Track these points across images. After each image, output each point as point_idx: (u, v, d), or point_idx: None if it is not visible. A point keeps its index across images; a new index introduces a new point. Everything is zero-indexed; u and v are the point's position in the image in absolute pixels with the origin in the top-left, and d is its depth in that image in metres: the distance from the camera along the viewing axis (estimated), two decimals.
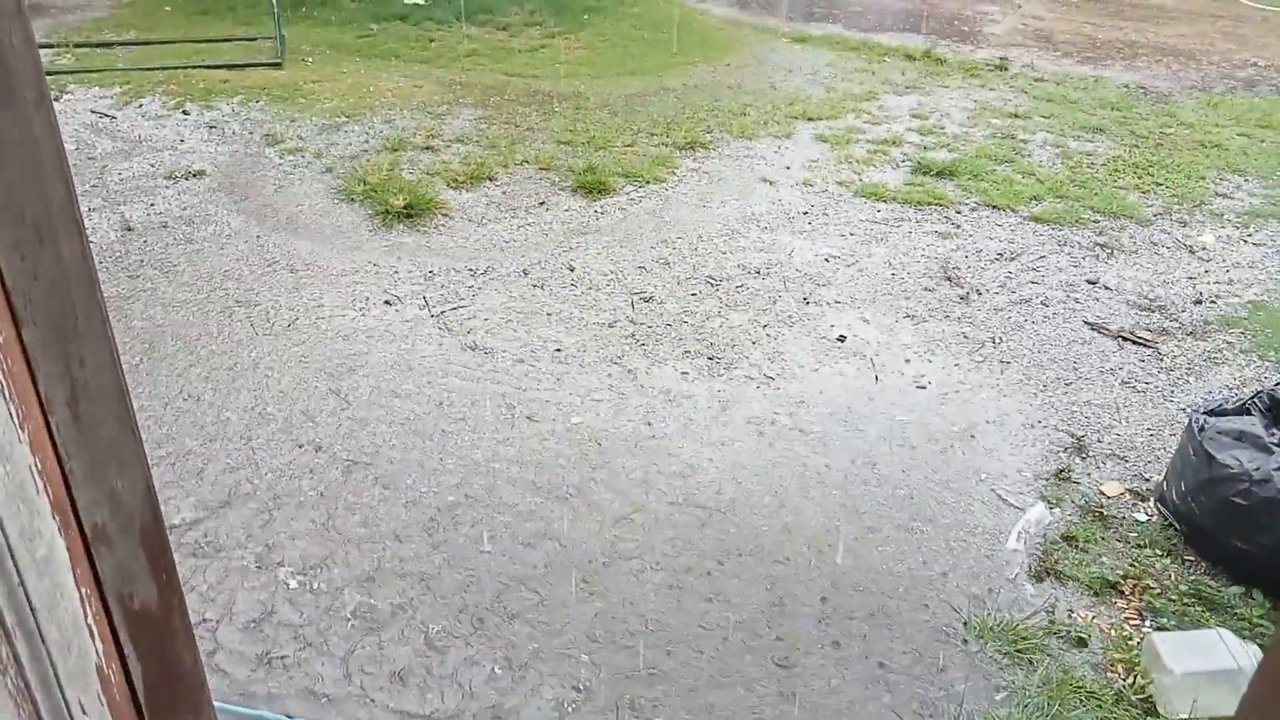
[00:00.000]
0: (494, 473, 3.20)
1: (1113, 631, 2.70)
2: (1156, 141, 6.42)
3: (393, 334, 3.97)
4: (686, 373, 3.82)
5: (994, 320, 4.27)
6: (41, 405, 1.03)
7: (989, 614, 2.72)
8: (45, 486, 1.01)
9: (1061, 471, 3.34)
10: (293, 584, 2.71)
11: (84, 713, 1.02)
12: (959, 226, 5.12)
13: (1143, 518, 3.14)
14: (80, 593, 1.07)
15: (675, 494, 3.15)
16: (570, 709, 2.38)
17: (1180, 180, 5.77)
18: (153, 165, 5.36)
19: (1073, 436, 3.52)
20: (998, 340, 4.12)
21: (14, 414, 0.95)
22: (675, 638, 2.60)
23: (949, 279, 4.60)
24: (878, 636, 2.64)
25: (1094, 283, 4.60)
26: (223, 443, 3.27)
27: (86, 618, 1.07)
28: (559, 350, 3.92)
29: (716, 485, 3.20)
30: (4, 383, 0.93)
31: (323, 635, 2.55)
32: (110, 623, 1.17)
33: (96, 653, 1.09)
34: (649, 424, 3.50)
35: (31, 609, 0.93)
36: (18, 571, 0.91)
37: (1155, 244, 5.01)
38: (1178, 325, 4.25)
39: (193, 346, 3.80)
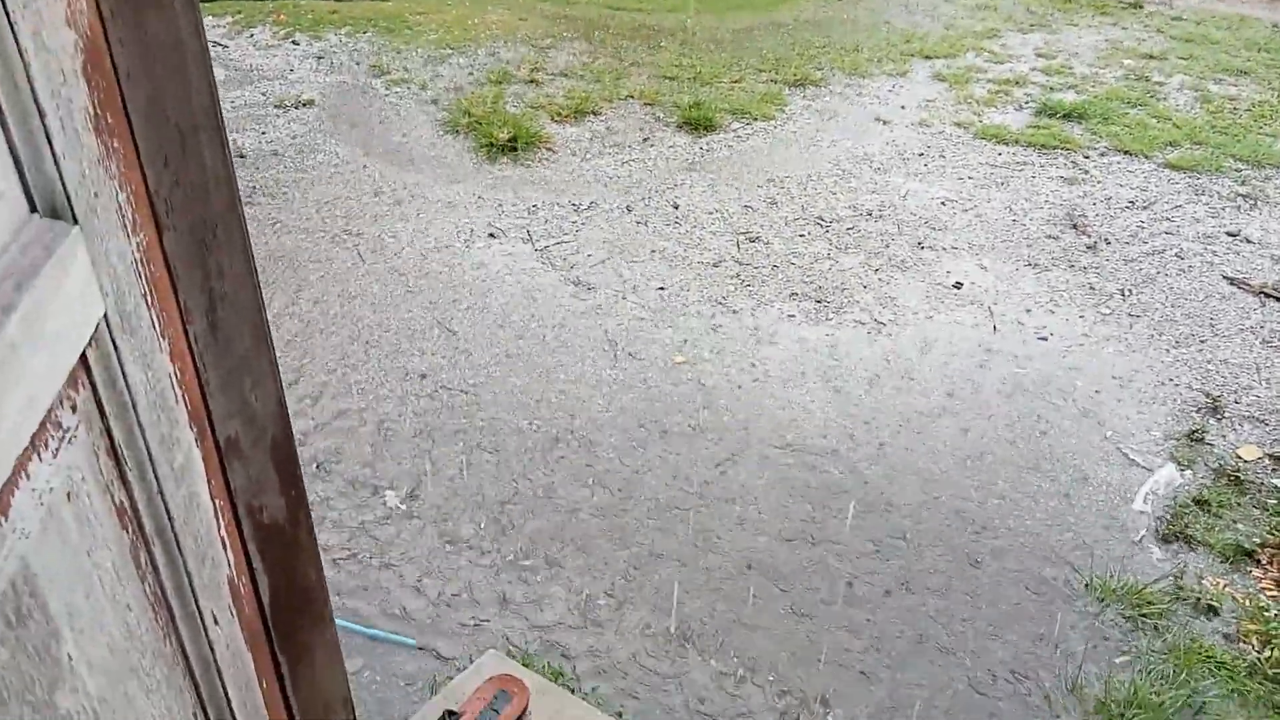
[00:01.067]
0: (595, 409, 3.17)
1: (1247, 601, 2.54)
2: None
3: (496, 267, 3.95)
4: (793, 315, 3.71)
5: (1123, 271, 4.02)
6: (181, 314, 1.01)
7: (1112, 575, 2.59)
8: (183, 396, 0.99)
9: (1194, 432, 3.14)
10: (398, 506, 2.74)
11: (215, 623, 1.02)
12: (1087, 172, 4.83)
13: None
14: (215, 504, 1.06)
15: (778, 438, 3.07)
16: (661, 643, 2.36)
17: None
18: (264, 94, 5.44)
19: (1207, 396, 3.30)
20: (1127, 292, 3.88)
21: (155, 321, 0.93)
22: (775, 579, 2.55)
23: (1075, 227, 4.34)
24: (991, 591, 2.54)
25: (1234, 235, 4.28)
26: (331, 367, 3.32)
27: (219, 529, 1.07)
28: (662, 288, 3.85)
29: (821, 430, 3.11)
30: (147, 289, 0.91)
31: (418, 557, 2.58)
32: (241, 535, 1.16)
33: (229, 564, 1.08)
34: (753, 365, 3.41)
35: (169, 517, 0.92)
36: (157, 479, 0.90)
37: None
38: None
39: (303, 272, 3.85)
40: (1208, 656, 2.36)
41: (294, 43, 6.20)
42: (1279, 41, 6.76)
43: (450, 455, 2.95)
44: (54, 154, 0.78)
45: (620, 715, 2.14)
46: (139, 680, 0.86)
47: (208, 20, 6.49)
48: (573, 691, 2.18)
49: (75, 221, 0.80)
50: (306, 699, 1.31)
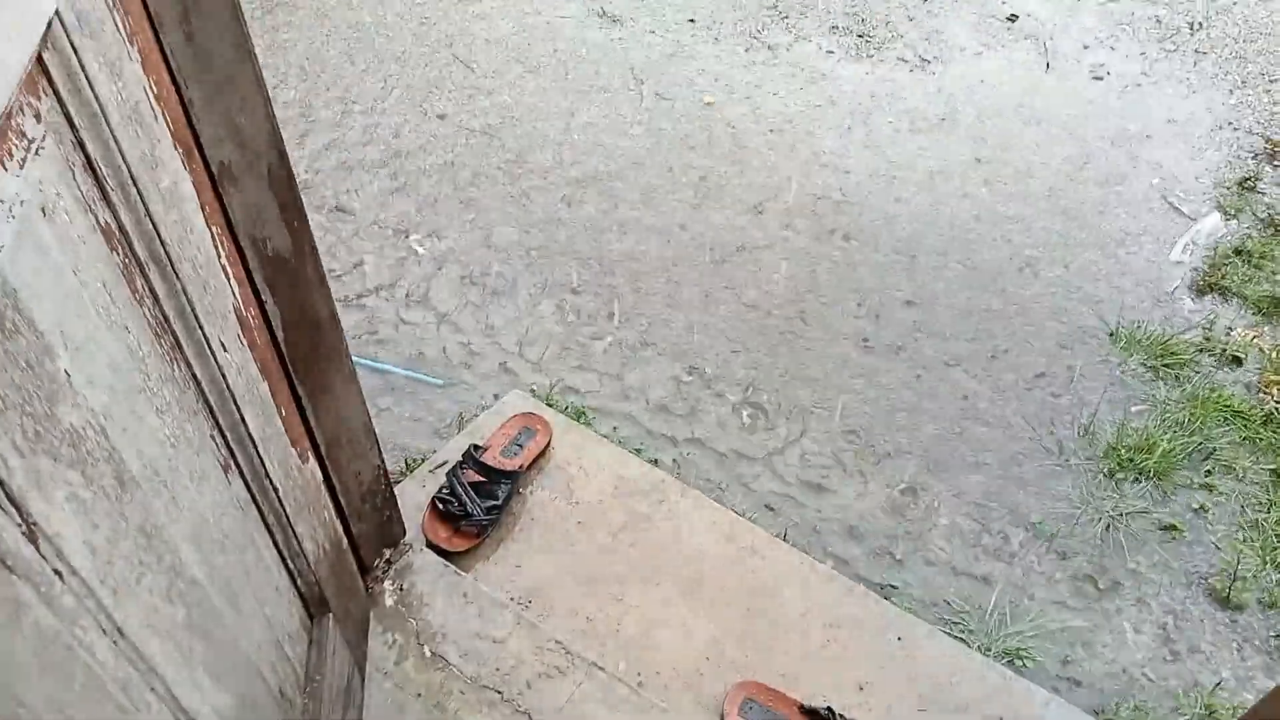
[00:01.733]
0: (620, 152, 3.06)
1: (1274, 353, 2.51)
2: None
3: None
4: (832, 51, 3.47)
5: (1197, 1, 3.68)
6: (151, 21, 0.93)
7: (1139, 325, 2.56)
8: (163, 114, 0.93)
9: (1246, 180, 2.99)
10: (419, 249, 2.73)
11: (224, 349, 1.02)
12: None
13: None
14: (211, 231, 1.02)
15: (813, 185, 2.97)
16: (682, 386, 2.41)
17: None
18: None
19: (1268, 141, 3.12)
20: (1196, 25, 3.57)
21: (120, 26, 0.85)
22: (796, 324, 2.55)
23: None
24: (1014, 338, 2.53)
25: None
26: (347, 107, 3.20)
27: (220, 258, 1.04)
28: (693, 20, 3.60)
29: (857, 178, 3.00)
30: None
31: (443, 299, 2.59)
32: (245, 265, 1.14)
33: (233, 294, 1.07)
34: (787, 107, 3.24)
35: (161, 240, 0.89)
36: (143, 200, 0.86)
37: None
38: None
39: (316, 4, 3.63)
40: (1225, 405, 2.37)
41: None
42: None
43: (473, 198, 2.89)
44: None
45: (640, 450, 2.22)
46: (147, 399, 0.87)
47: None
48: (590, 427, 2.25)
49: None
50: (327, 427, 1.35)
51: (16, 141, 0.69)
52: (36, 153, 0.71)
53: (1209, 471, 2.25)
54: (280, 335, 1.23)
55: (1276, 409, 2.38)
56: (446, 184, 2.94)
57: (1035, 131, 3.15)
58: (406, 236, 2.77)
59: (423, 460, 2.03)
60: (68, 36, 0.76)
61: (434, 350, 2.46)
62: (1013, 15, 3.61)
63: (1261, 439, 2.31)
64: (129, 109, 0.85)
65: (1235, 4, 3.65)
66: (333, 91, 3.25)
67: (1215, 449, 2.29)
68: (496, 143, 3.08)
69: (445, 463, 1.91)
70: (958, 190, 2.95)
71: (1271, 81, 3.34)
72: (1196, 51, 3.47)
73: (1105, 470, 2.25)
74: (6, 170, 0.66)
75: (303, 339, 1.26)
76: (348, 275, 2.64)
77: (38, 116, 0.72)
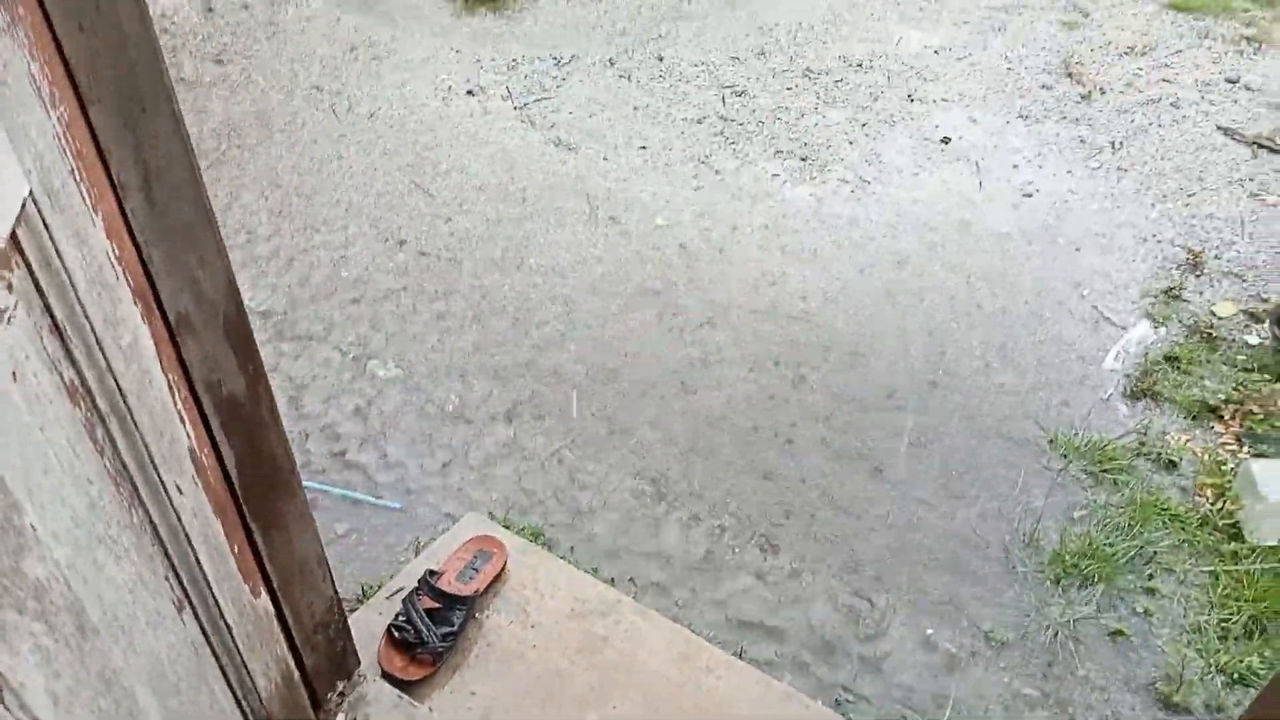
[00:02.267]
0: (576, 273, 3.17)
1: (1206, 456, 2.61)
2: None
3: (476, 126, 3.86)
4: (777, 174, 3.65)
5: (1116, 122, 3.93)
6: (115, 188, 1.00)
7: (1077, 432, 2.66)
8: (124, 273, 0.99)
9: (1172, 289, 3.15)
10: (379, 374, 2.78)
11: (180, 492, 1.06)
12: (1087, 15, 4.65)
13: (1255, 340, 2.97)
14: (168, 379, 1.08)
15: (760, 301, 3.09)
16: (643, 501, 2.45)
17: None
18: None
19: (1189, 252, 3.30)
20: (1118, 145, 3.81)
21: (85, 196, 0.92)
22: (752, 435, 2.62)
23: (1070, 75, 4.22)
24: (958, 445, 2.61)
25: (1234, 82, 4.17)
26: (309, 234, 3.29)
27: (176, 404, 1.09)
28: (644, 147, 3.78)
29: (802, 292, 3.12)
30: (73, 164, 0.90)
31: (402, 423, 2.63)
32: (200, 410, 1.19)
33: (188, 437, 1.11)
34: (735, 228, 3.39)
35: (121, 393, 0.94)
36: (105, 358, 0.92)
37: None
38: None
39: (278, 135, 3.77)
40: (1163, 509, 2.45)
41: None
42: None
43: (431, 323, 2.97)
44: None
45: (595, 570, 2.24)
46: (107, 548, 0.91)
47: None
48: (547, 548, 2.28)
49: None
50: (280, 561, 1.37)
51: None
52: (8, 321, 0.77)
53: (1151, 575, 2.31)
54: (234, 474, 1.27)
55: (1212, 512, 2.47)
56: (406, 308, 3.01)
57: (970, 246, 3.32)
58: (367, 361, 2.82)
59: (379, 587, 2.03)
60: (39, 214, 0.82)
61: (391, 474, 2.49)
62: (946, 138, 3.84)
63: (1199, 541, 2.38)
64: (93, 272, 0.91)
65: (1150, 125, 3.91)
66: (295, 222, 3.35)
67: (1156, 552, 2.35)
68: (455, 267, 3.18)
69: (401, 589, 1.92)
70: (899, 305, 3.08)
71: (1189, 196, 3.56)
72: (1119, 169, 3.69)
73: (1052, 576, 2.31)
74: None
75: (256, 477, 1.29)
76: (306, 400, 2.68)
77: (9, 287, 0.78)
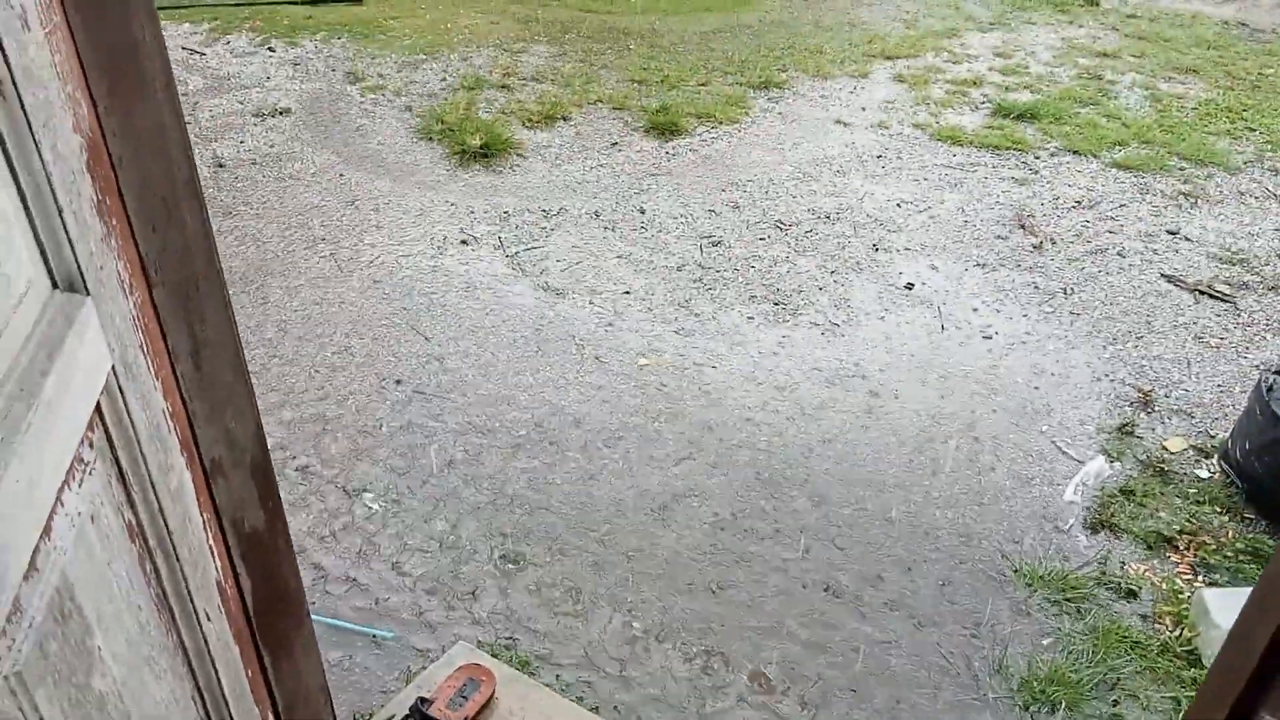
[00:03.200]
0: (562, 411, 3.35)
1: (1164, 585, 2.74)
2: (1254, 83, 6.15)
3: (469, 273, 4.11)
4: (752, 318, 3.89)
5: (1067, 270, 4.23)
6: (170, 356, 1.18)
7: (1040, 563, 2.79)
8: (174, 427, 1.16)
9: (1125, 426, 3.34)
10: (373, 506, 2.91)
11: (208, 619, 1.19)
12: (1037, 172, 5.03)
13: (1205, 474, 3.15)
14: (203, 518, 1.23)
15: (737, 437, 3.26)
16: (626, 635, 2.54)
17: (1275, 125, 5.54)
18: (241, 102, 5.56)
19: (1140, 391, 3.51)
20: (1069, 291, 4.08)
21: (150, 365, 1.10)
22: (727, 571, 2.74)
23: (1023, 227, 4.55)
24: (925, 577, 2.74)
25: (1174, 233, 4.50)
26: (311, 375, 3.47)
27: (208, 539, 1.24)
28: (628, 293, 4.02)
29: (777, 430, 3.30)
30: (143, 340, 1.08)
31: (395, 555, 2.75)
32: (226, 544, 1.34)
33: (216, 569, 1.26)
34: (714, 368, 3.59)
35: (168, 530, 1.09)
36: (157, 499, 1.07)
37: (1242, 193, 4.86)
38: (1259, 279, 4.16)
39: (282, 282, 4.00)
40: (1125, 637, 2.57)
41: (270, 49, 6.31)
42: (1227, 38, 6.99)
43: (425, 459, 3.12)
44: (69, 239, 0.95)
45: (581, 700, 2.32)
46: (150, 667, 1.04)
47: (185, 27, 6.59)
48: (535, 677, 2.36)
49: (87, 292, 0.97)
50: (287, 688, 1.48)
51: (78, 467, 0.90)
52: (90, 473, 0.93)
53: (1116, 701, 2.41)
54: (250, 603, 1.40)
55: (1171, 639, 2.58)
56: (401, 445, 3.17)
57: (935, 385, 3.52)
58: (362, 494, 2.96)
59: (371, 715, 2.11)
60: (118, 382, 1.00)
61: (385, 604, 2.59)
62: (909, 284, 4.11)
63: (1160, 667, 2.49)
64: (153, 429, 1.08)
65: (1099, 273, 4.20)
66: (298, 364, 3.53)
67: (1120, 679, 2.46)
68: (449, 404, 3.35)
69: (393, 716, 2.01)
70: (869, 440, 3.26)
71: (1138, 338, 3.80)
72: (1071, 313, 3.95)
73: (1021, 703, 2.40)
74: (71, 490, 0.88)
75: (270, 605, 1.42)
76: (306, 530, 2.80)
77: (91, 444, 0.95)
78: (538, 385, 3.47)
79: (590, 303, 3.95)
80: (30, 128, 0.89)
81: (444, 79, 5.98)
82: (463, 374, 3.52)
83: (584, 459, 3.15)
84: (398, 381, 3.47)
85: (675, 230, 4.50)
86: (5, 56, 0.87)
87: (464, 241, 4.35)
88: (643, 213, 4.63)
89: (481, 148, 5.11)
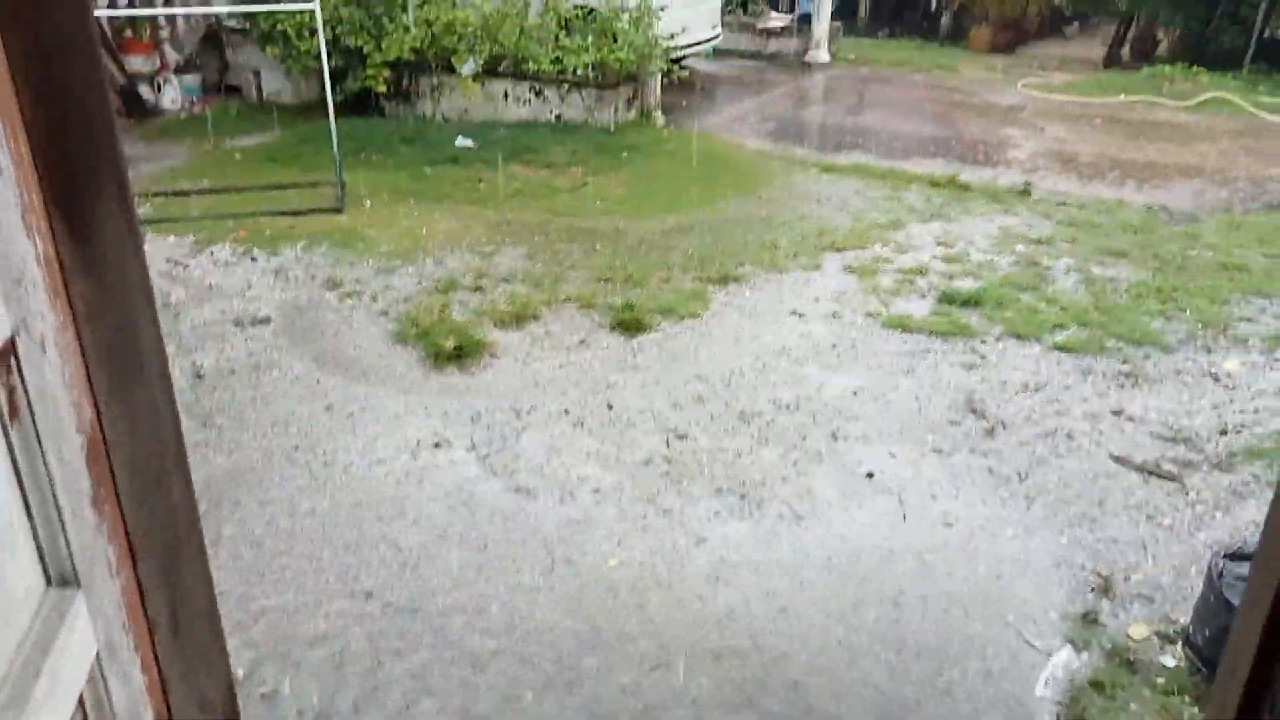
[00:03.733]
0: (533, 617, 3.36)
1: None
2: (1179, 265, 6.57)
3: (442, 477, 4.20)
4: (719, 512, 3.98)
5: (1019, 454, 4.38)
6: (149, 627, 1.26)
7: None
8: (150, 701, 1.22)
9: (1088, 614, 3.40)
10: None
11: None
12: (984, 357, 5.29)
13: (1170, 662, 3.19)
14: None
15: (708, 637, 3.28)
16: None
17: (1204, 304, 5.90)
18: (223, 312, 5.77)
19: (1099, 576, 3.59)
20: (1024, 475, 4.23)
21: (130, 643, 1.17)
22: None
23: (974, 412, 4.74)
24: None
25: (1119, 413, 4.70)
26: (282, 589, 3.48)
27: None
28: (597, 490, 4.11)
29: (747, 626, 3.32)
30: (125, 619, 1.15)
31: None
32: None
33: None
34: (682, 565, 3.65)
35: None
36: None
37: (1180, 372, 5.12)
38: (1203, 457, 4.33)
39: (257, 492, 4.06)
40: None
41: (252, 259, 6.61)
42: (1151, 223, 7.51)
43: (396, 678, 3.10)
44: (65, 536, 1.04)
45: None
46: None
47: (170, 240, 6.90)
48: None
49: (79, 585, 1.05)
50: None
51: None
52: None
53: None
54: None
55: None
56: (370, 662, 3.15)
57: (899, 573, 3.58)
58: (331, 718, 2.92)
59: None
60: (100, 668, 1.07)
61: None
62: (870, 472, 4.24)
63: None
64: (130, 704, 1.14)
65: (1050, 456, 4.36)
66: (266, 579, 3.55)
67: None
68: (420, 617, 3.36)
69: None
70: (836, 635, 3.29)
71: (1093, 521, 3.92)
72: (1027, 497, 4.08)
73: None
74: None
75: None
76: None
77: None
78: (508, 592, 3.49)
79: (560, 502, 4.03)
80: (39, 440, 1.01)
81: (419, 283, 6.26)
82: (433, 583, 3.54)
83: (555, 667, 3.14)
84: (369, 594, 3.48)
85: (642, 425, 4.64)
86: (24, 381, 0.99)
87: (437, 444, 4.46)
88: (610, 408, 4.79)
89: (455, 349, 5.30)
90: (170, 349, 5.32)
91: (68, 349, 1.06)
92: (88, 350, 1.11)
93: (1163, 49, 14.75)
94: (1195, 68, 12.88)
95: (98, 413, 1.13)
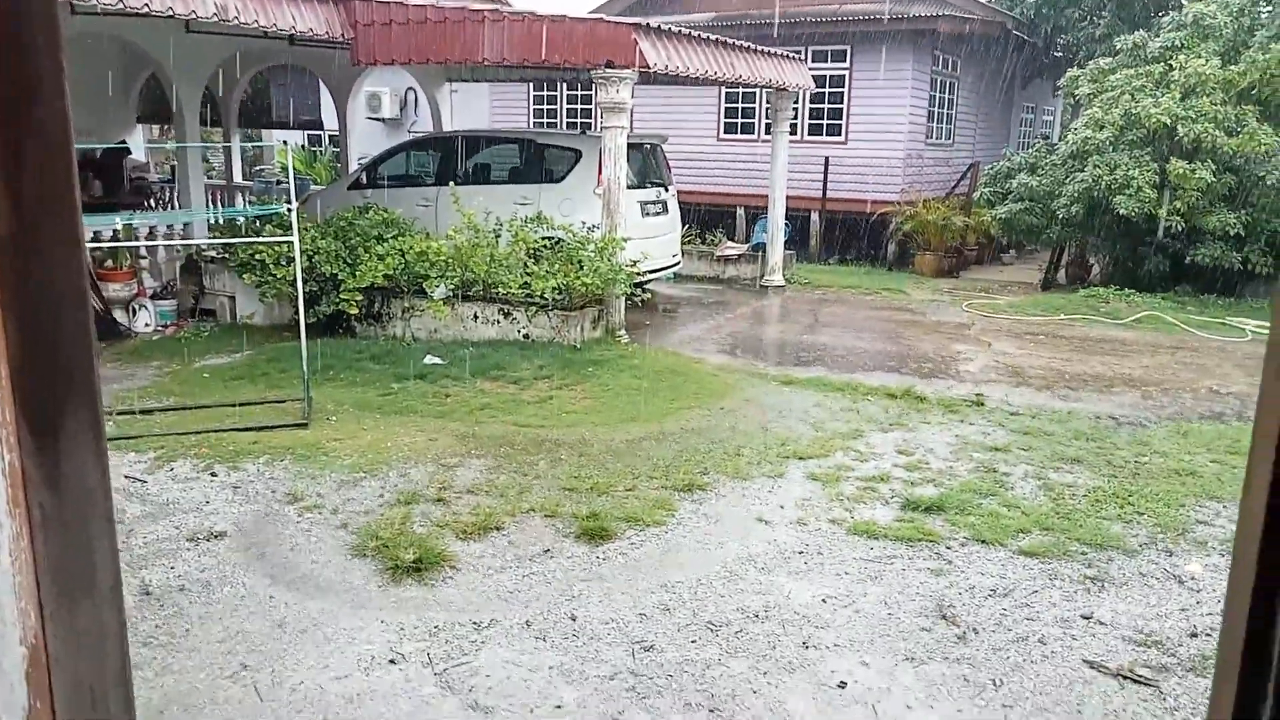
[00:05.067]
0: None
1: None
2: (1133, 471, 6.73)
3: (396, 695, 4.00)
4: None
5: (993, 660, 4.29)
6: None
7: None
8: None
9: None
10: None
11: None
12: (950, 563, 5.27)
13: None
14: None
15: None
16: None
17: (1161, 509, 5.99)
18: (177, 528, 5.65)
19: None
20: (999, 683, 4.12)
21: None
22: None
23: (945, 618, 4.67)
24: None
25: (1088, 618, 4.66)
26: None
27: None
28: (559, 707, 3.93)
29: None
30: None
31: None
32: None
33: None
34: None
35: None
36: None
37: (1144, 575, 5.13)
38: (1176, 660, 4.26)
39: (194, 716, 3.83)
40: None
41: (212, 474, 6.55)
42: (1101, 430, 7.74)
43: None
44: None
45: None
46: None
47: (130, 456, 6.85)
48: None
49: None
50: None
51: None
52: None
53: None
54: None
55: None
56: None
57: None
58: None
59: None
60: None
61: None
62: (842, 682, 4.10)
63: None
64: None
65: (1024, 662, 4.27)
66: None
67: None
68: None
69: None
70: None
71: None
72: (1004, 706, 3.95)
73: None
74: None
75: None
76: None
77: None
78: None
79: None
80: None
81: (381, 495, 6.21)
82: None
83: None
84: None
85: (607, 637, 4.51)
86: None
87: (392, 661, 4.27)
88: (574, 620, 4.66)
89: (414, 562, 5.19)
90: (120, 566, 5.16)
91: (21, 558, 1.06)
92: (40, 561, 1.11)
93: (1095, 274, 15.77)
94: (1128, 290, 13.73)
95: (43, 625, 1.12)
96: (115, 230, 10.43)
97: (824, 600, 4.86)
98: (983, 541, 5.53)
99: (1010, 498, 6.21)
